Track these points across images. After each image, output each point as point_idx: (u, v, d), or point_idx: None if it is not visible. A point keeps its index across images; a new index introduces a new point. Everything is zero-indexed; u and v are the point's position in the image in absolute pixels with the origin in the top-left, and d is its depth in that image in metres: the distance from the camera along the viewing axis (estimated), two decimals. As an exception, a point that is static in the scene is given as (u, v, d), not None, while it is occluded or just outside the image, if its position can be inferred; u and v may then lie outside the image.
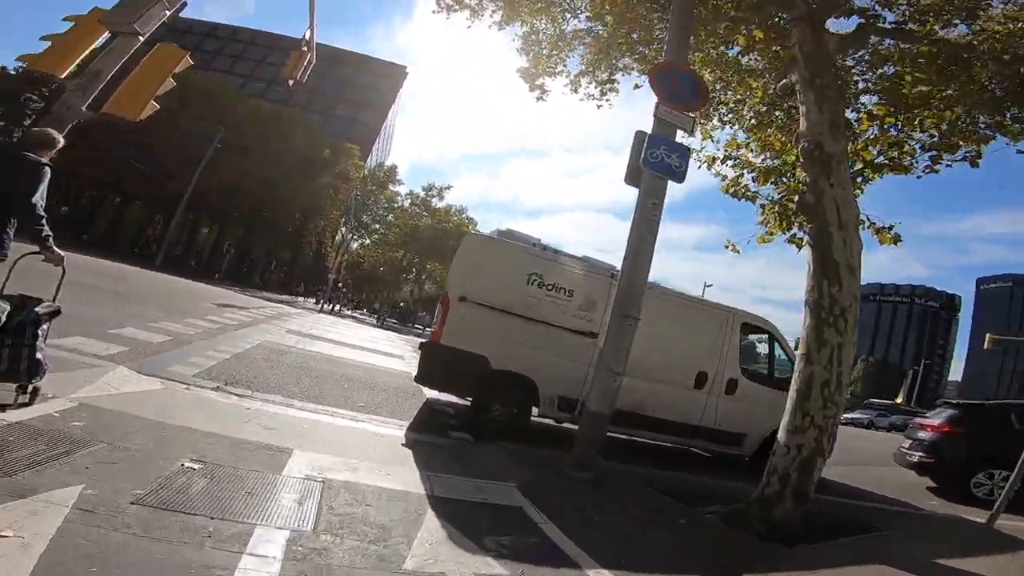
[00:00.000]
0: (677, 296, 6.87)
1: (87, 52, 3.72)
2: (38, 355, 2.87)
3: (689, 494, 4.91)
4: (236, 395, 5.27)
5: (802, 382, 4.34)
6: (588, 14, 10.18)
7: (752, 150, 7.87)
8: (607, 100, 12.52)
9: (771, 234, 6.63)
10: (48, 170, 3.06)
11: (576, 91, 13.26)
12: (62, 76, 3.71)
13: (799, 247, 6.32)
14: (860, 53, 6.89)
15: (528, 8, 9.59)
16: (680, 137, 5.53)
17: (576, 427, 6.54)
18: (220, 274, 44.73)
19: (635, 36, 9.91)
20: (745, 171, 7.81)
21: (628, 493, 4.67)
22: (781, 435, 4.34)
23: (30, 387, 2.94)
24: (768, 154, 7.69)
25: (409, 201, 53.28)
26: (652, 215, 4.73)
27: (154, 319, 8.40)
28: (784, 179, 7.60)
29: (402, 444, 4.63)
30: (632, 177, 5.08)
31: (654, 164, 4.93)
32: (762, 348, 7.73)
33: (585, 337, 6.12)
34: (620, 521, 3.77)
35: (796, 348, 4.78)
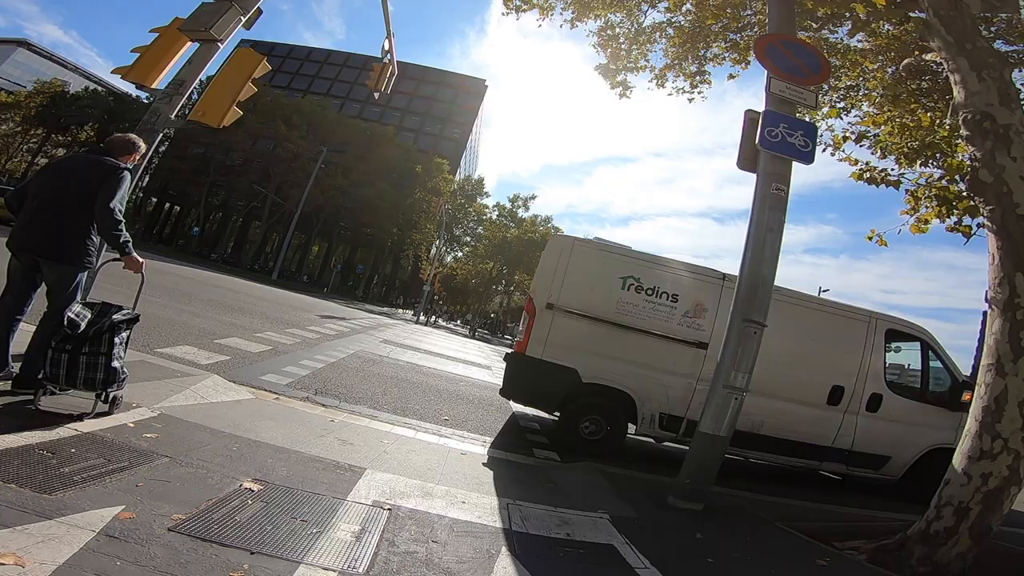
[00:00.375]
0: (805, 299, 5.84)
1: (173, 62, 3.83)
2: (114, 364, 2.83)
3: (822, 527, 4.02)
4: (323, 405, 5.20)
5: (990, 399, 3.38)
6: (667, 4, 9.52)
7: (889, 128, 6.65)
8: (699, 92, 11.71)
9: (925, 223, 5.43)
10: (128, 175, 3.05)
11: (662, 85, 12.40)
12: (152, 87, 3.83)
13: (967, 235, 5.11)
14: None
15: (600, 2, 9.06)
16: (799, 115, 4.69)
17: (681, 447, 5.83)
18: (328, 288, 48.27)
19: (720, 25, 9.14)
20: (882, 151, 6.64)
21: (747, 527, 3.88)
22: (959, 461, 3.45)
23: (109, 396, 2.91)
24: (908, 133, 6.44)
25: (496, 213, 54.17)
26: (777, 202, 3.94)
27: (259, 330, 8.87)
28: (933, 160, 6.33)
29: (483, 464, 4.22)
30: (747, 161, 4.35)
31: (775, 144, 4.16)
32: (912, 358, 6.41)
33: (693, 347, 5.35)
34: (742, 566, 3.04)
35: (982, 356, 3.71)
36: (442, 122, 70.70)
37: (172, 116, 3.98)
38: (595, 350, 5.41)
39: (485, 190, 57.17)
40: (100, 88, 59.38)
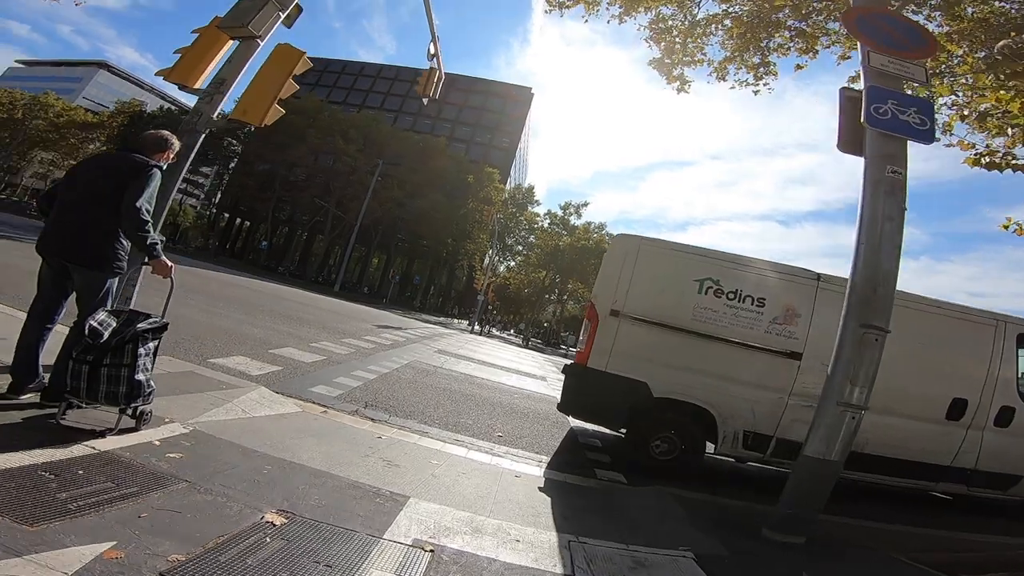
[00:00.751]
0: (919, 301, 4.99)
1: (215, 61, 3.70)
2: (139, 376, 2.59)
3: (951, 560, 3.28)
4: (371, 420, 4.92)
5: None
6: (719, -8, 8.95)
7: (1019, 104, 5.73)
8: (765, 85, 10.67)
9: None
10: (158, 172, 2.86)
11: (723, 79, 11.78)
12: (194, 87, 3.71)
13: None
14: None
15: (648, -6, 8.59)
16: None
17: (768, 468, 5.10)
18: (387, 299, 49.50)
19: (784, 13, 8.50)
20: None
21: (863, 563, 3.19)
22: None
23: (136, 410, 2.69)
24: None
25: (548, 221, 53.74)
26: (893, 187, 3.26)
27: (315, 339, 8.84)
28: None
29: (540, 488, 3.74)
30: (849, 144, 3.74)
31: (885, 122, 3.53)
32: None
33: (783, 358, 4.65)
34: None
35: None
36: (491, 132, 71.52)
37: (214, 116, 3.83)
38: (668, 361, 4.82)
39: (536, 198, 56.97)
40: (173, 107, 64.33)
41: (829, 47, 10.24)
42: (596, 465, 5.00)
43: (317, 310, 15.64)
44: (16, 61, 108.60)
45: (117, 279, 2.92)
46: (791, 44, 10.95)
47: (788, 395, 4.53)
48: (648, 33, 10.28)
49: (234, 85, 3.92)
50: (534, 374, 12.79)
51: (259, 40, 3.83)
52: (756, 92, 12.41)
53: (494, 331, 54.45)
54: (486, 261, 53.29)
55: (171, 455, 2.56)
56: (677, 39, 10.39)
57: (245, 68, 3.90)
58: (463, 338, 21.78)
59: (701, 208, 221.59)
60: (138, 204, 2.66)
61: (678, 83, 12.70)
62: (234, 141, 57.28)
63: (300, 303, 16.89)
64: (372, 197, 42.60)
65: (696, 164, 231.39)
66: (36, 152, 54.98)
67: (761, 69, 11.17)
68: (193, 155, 3.76)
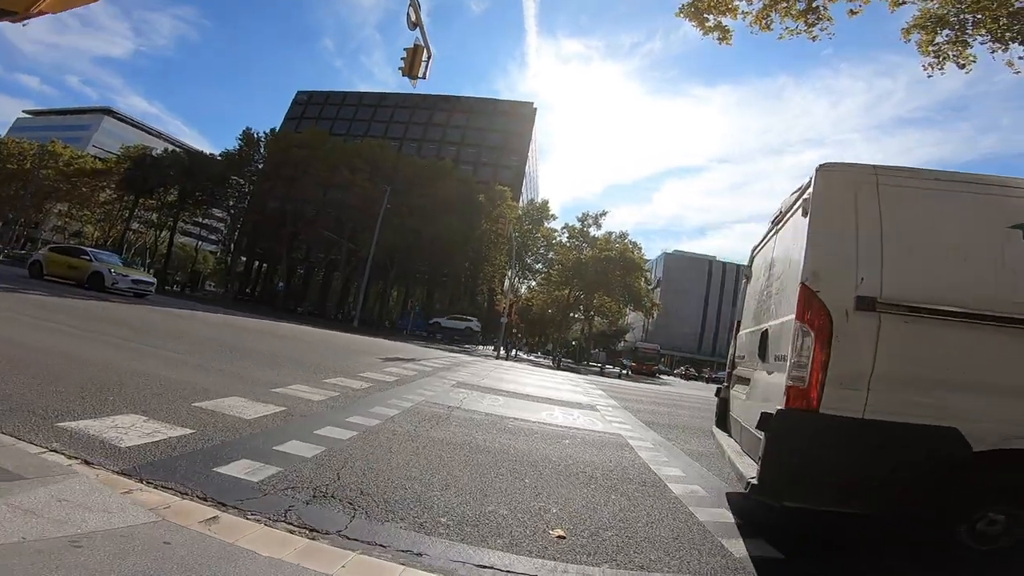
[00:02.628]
0: None
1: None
2: None
3: None
4: (310, 531, 2.53)
5: None
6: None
7: None
8: (824, 30, 9.24)
9: None
10: None
11: (768, 28, 9.92)
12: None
13: None
14: None
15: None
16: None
17: None
18: (407, 331, 47.44)
19: None
20: None
21: None
22: None
23: None
24: None
25: (567, 235, 51.52)
26: None
27: (282, 382, 6.51)
28: None
29: None
30: None
31: None
32: None
33: None
34: None
35: None
36: (498, 151, 70.47)
37: None
38: (993, 382, 2.44)
39: (551, 212, 54.85)
40: (179, 149, 64.62)
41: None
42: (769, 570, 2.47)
43: (316, 344, 13.42)
44: (24, 111, 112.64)
45: None
46: (855, -12, 9.29)
47: None
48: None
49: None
50: (579, 402, 10.21)
51: None
52: (814, 38, 10.36)
53: (520, 354, 51.78)
54: (506, 284, 51.09)
55: None
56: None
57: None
58: (488, 365, 19.29)
59: (717, 213, 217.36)
60: None
61: (717, 33, 10.61)
62: (242, 181, 56.91)
63: (299, 339, 14.71)
64: (384, 226, 41.00)
65: (706, 169, 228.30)
66: (51, 204, 55.36)
67: (811, 16, 9.32)
68: None
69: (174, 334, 10.57)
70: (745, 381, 3.91)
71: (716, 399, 4.69)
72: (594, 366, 48.49)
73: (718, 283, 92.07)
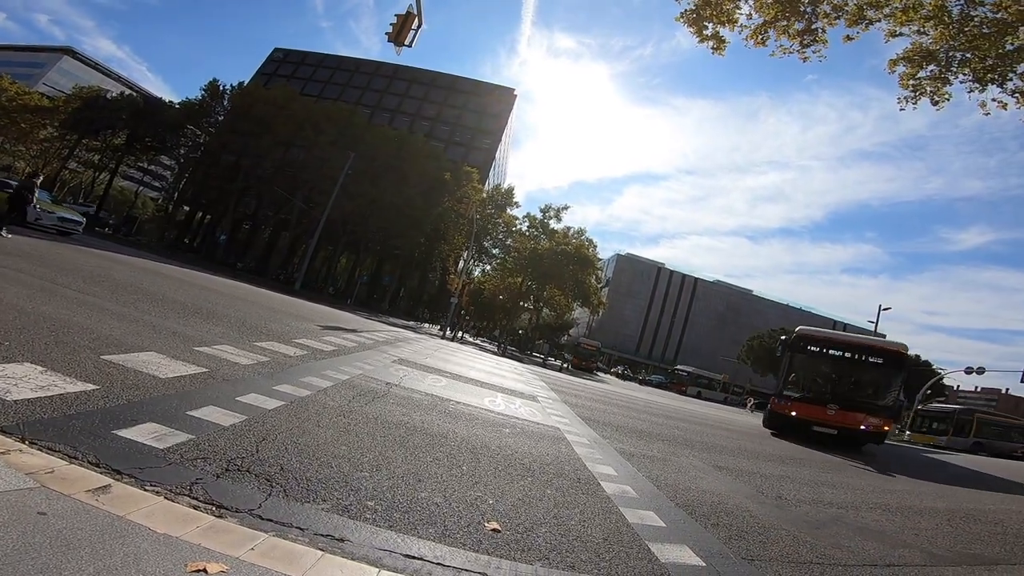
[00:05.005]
0: None
1: None
2: None
3: None
4: (216, 508, 2.28)
5: None
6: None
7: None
8: (816, 53, 9.50)
9: None
10: None
11: (763, 43, 10.09)
12: None
13: None
14: None
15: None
16: None
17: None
18: (352, 300, 46.11)
19: None
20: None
21: None
22: None
23: None
24: None
25: (527, 224, 51.49)
26: None
27: (212, 340, 6.05)
28: None
29: None
30: None
31: None
32: None
33: None
34: None
35: None
36: (471, 132, 69.20)
37: None
38: None
39: (515, 200, 54.57)
40: (136, 94, 59.64)
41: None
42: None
43: (251, 303, 12.68)
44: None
45: None
46: (839, 14, 9.76)
47: None
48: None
49: None
50: (521, 391, 10.17)
51: None
52: (805, 60, 10.67)
53: (467, 337, 51.61)
54: (461, 264, 50.53)
55: None
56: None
57: None
58: (432, 344, 19.00)
59: (674, 223, 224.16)
60: None
61: (712, 42, 10.76)
62: (198, 132, 53.14)
63: (233, 296, 13.87)
64: (342, 192, 39.37)
65: (671, 178, 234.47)
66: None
67: (807, 36, 9.08)
68: None
69: (95, 277, 9.65)
70: None
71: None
72: (538, 356, 49.10)
73: (663, 290, 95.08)
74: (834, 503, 5.48)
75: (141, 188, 79.30)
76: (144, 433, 2.92)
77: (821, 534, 4.10)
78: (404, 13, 9.96)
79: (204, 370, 4.64)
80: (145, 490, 2.29)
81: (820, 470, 8.19)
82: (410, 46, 10.06)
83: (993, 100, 8.87)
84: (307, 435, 3.64)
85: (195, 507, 2.28)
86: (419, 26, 10.19)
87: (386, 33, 9.52)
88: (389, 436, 4.13)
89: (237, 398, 4.05)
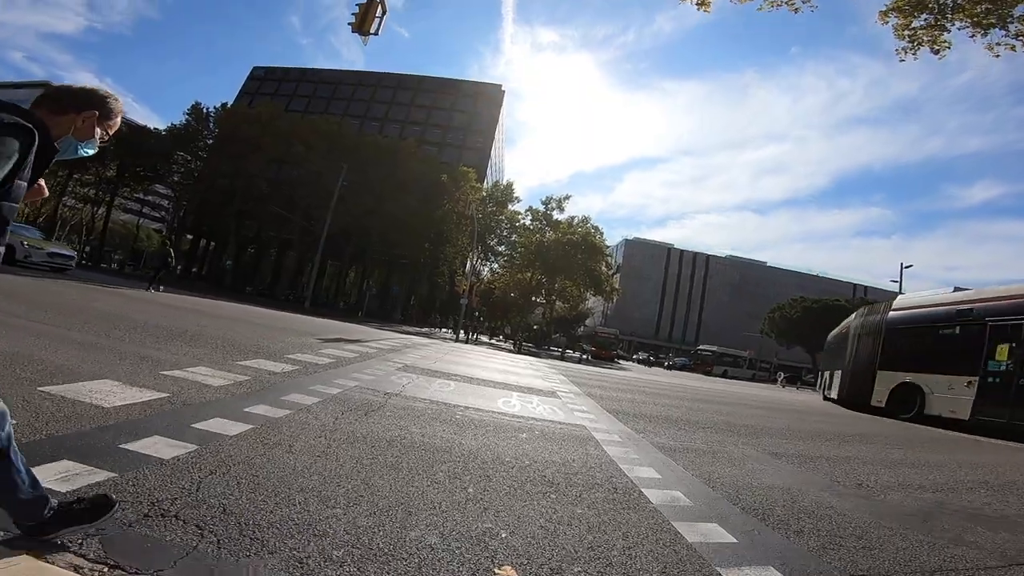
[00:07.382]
0: None
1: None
2: None
3: None
4: (109, 570, 1.55)
5: None
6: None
7: None
8: (807, 2, 8.70)
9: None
10: (22, 137, 1.43)
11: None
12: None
13: None
14: None
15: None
16: None
17: None
18: (363, 312, 45.69)
19: None
20: None
21: None
22: None
23: None
24: None
25: (530, 218, 50.73)
26: None
27: (186, 364, 5.38)
28: None
29: None
30: None
31: None
32: None
33: None
34: None
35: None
36: (464, 133, 68.46)
37: None
38: None
39: (515, 195, 53.72)
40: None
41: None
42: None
43: (253, 325, 12.07)
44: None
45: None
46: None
47: None
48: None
49: None
50: (539, 388, 9.41)
51: None
52: (796, 10, 9.84)
53: (482, 338, 50.95)
54: (468, 266, 49.87)
55: None
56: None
57: None
58: (444, 348, 18.30)
59: (678, 204, 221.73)
60: None
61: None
62: (188, 157, 53.06)
63: (234, 318, 13.28)
64: (339, 205, 38.90)
65: (670, 161, 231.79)
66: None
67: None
68: None
69: (75, 310, 9.11)
70: None
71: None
72: (555, 350, 48.26)
73: (675, 270, 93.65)
74: (925, 486, 4.65)
75: (142, 220, 79.77)
76: (50, 473, 2.24)
77: (932, 529, 3.29)
78: (365, 2, 9.24)
79: (163, 395, 3.96)
80: (13, 548, 1.60)
81: (885, 446, 7.32)
82: (376, 34, 9.40)
83: (999, 44, 8.16)
84: (271, 464, 2.91)
85: (76, 569, 1.58)
86: (384, 12, 9.51)
87: (349, 24, 8.92)
88: (378, 459, 3.39)
89: (193, 425, 3.34)
